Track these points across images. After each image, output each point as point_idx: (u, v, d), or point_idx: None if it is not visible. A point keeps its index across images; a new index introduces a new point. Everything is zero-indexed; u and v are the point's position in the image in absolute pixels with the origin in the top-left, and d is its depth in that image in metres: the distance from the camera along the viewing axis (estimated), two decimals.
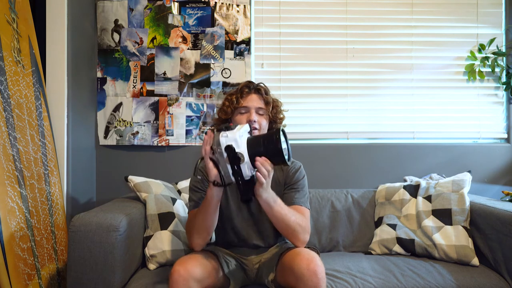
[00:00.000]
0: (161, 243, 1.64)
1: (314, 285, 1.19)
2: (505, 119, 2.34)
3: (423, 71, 2.34)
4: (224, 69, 2.25)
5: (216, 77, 2.24)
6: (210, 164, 1.20)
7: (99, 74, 2.23)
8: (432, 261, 1.67)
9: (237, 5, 2.26)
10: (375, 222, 1.96)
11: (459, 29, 2.34)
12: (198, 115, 2.24)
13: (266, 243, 1.53)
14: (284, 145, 1.17)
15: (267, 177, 1.18)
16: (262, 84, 1.57)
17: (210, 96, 2.24)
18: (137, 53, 2.23)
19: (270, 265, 1.42)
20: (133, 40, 2.23)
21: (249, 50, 2.26)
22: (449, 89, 2.34)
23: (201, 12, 2.25)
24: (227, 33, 2.25)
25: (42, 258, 1.62)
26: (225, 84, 2.25)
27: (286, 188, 1.47)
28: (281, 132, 1.17)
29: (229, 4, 2.26)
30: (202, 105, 2.24)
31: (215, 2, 2.25)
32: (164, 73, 2.23)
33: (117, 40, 2.23)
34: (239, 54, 2.25)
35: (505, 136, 2.33)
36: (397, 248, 1.79)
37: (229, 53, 2.25)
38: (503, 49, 2.32)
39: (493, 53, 2.25)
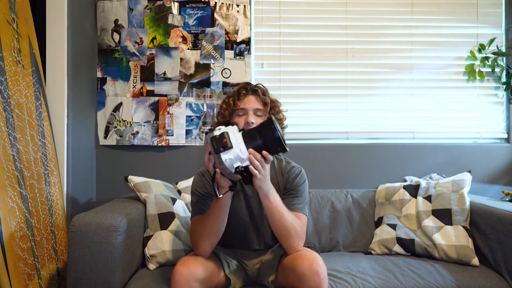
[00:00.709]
0: (161, 243, 1.64)
1: (317, 285, 1.19)
2: (505, 119, 2.34)
3: (423, 71, 2.34)
4: (224, 69, 2.25)
5: (216, 77, 2.24)
6: (221, 179, 1.21)
7: (99, 74, 2.23)
8: (432, 261, 1.67)
9: (237, 5, 2.26)
10: (375, 222, 1.96)
11: (459, 29, 2.34)
12: (198, 115, 2.24)
13: (266, 246, 1.53)
14: (278, 133, 1.18)
15: (260, 168, 1.18)
16: (260, 85, 1.54)
17: (210, 96, 2.24)
18: (137, 53, 2.23)
19: (271, 266, 1.42)
20: (133, 40, 2.23)
21: (249, 50, 2.26)
22: (449, 89, 2.34)
23: (201, 12, 2.25)
24: (227, 33, 2.25)
25: (42, 258, 1.62)
26: (225, 84, 2.25)
27: (285, 193, 1.45)
28: (273, 120, 1.18)
29: (229, 4, 2.26)
30: (202, 105, 2.24)
31: (215, 2, 2.25)
32: (164, 73, 2.23)
33: (117, 40, 2.23)
34: (239, 54, 2.25)
35: (505, 136, 2.33)
36: (397, 248, 1.79)
37: (229, 53, 2.25)
38: (503, 49, 2.32)
39: (493, 53, 2.25)
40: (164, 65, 2.23)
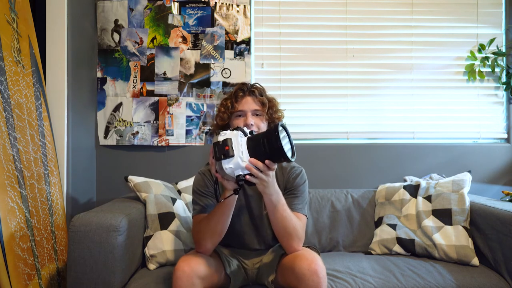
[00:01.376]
0: (161, 243, 1.64)
1: (315, 285, 1.19)
2: (505, 119, 2.34)
3: (423, 71, 2.34)
4: (224, 69, 2.25)
5: (216, 77, 2.24)
6: (225, 182, 1.21)
7: (99, 74, 2.23)
8: (432, 261, 1.67)
9: (237, 5, 2.26)
10: (375, 222, 1.96)
11: (459, 29, 2.34)
12: (198, 115, 2.24)
13: (266, 246, 1.53)
14: (285, 141, 1.15)
15: (261, 176, 1.16)
16: (257, 85, 1.53)
17: (210, 96, 2.24)
18: (137, 53, 2.23)
19: (271, 265, 1.42)
20: (133, 40, 2.23)
21: (249, 50, 2.26)
22: (449, 89, 2.34)
23: (201, 12, 2.25)
24: (227, 33, 2.25)
25: (42, 258, 1.62)
26: (225, 84, 2.25)
27: (286, 193, 1.44)
28: (279, 128, 1.13)
29: (229, 4, 2.26)
30: (202, 105, 2.24)
31: (215, 2, 2.25)
32: (164, 73, 2.23)
33: (117, 40, 2.23)
34: (239, 54, 2.25)
35: (505, 136, 2.33)
36: (397, 248, 1.79)
37: (229, 53, 2.25)
38: (503, 49, 2.32)
39: (493, 53, 2.25)
40: (164, 65, 2.23)
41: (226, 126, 1.48)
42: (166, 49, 2.23)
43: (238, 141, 1.15)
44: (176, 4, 2.24)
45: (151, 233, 1.67)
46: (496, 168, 2.28)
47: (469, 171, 1.99)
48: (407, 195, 1.94)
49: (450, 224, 1.75)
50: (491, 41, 2.26)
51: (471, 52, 2.31)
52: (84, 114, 2.14)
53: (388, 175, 2.24)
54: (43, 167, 1.74)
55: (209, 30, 2.24)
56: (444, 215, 1.78)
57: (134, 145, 2.22)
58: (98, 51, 2.23)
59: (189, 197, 1.90)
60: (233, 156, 1.13)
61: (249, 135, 1.20)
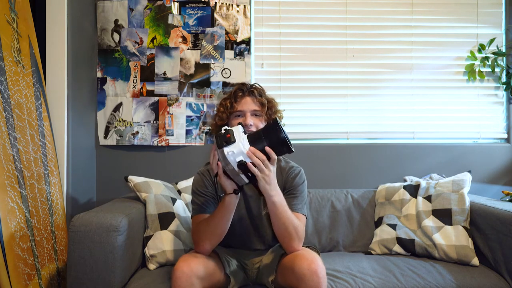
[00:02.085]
0: (161, 243, 1.64)
1: (315, 285, 1.20)
2: (505, 119, 2.34)
3: (423, 71, 2.34)
4: (224, 69, 2.25)
5: (216, 77, 2.24)
6: (224, 178, 1.21)
7: (99, 74, 2.23)
8: (432, 261, 1.67)
9: (237, 5, 2.26)
10: (375, 222, 1.96)
11: (459, 29, 2.34)
12: (198, 115, 2.24)
13: (266, 246, 1.53)
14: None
15: (262, 167, 1.17)
16: (256, 85, 1.53)
17: (210, 96, 2.24)
18: (137, 53, 2.23)
19: (271, 266, 1.42)
20: (133, 40, 2.23)
21: (249, 50, 2.26)
22: (449, 89, 2.34)
23: (201, 12, 2.25)
24: (227, 33, 2.25)
25: (42, 258, 1.62)
26: (225, 84, 2.25)
27: (285, 193, 1.44)
28: (279, 121, 1.18)
29: (229, 4, 2.26)
30: (202, 105, 2.24)
31: (215, 2, 2.25)
32: (164, 73, 2.23)
33: (117, 40, 2.23)
34: (239, 54, 2.25)
35: (505, 136, 2.33)
36: (397, 248, 1.79)
37: (229, 53, 2.25)
38: (503, 49, 2.32)
39: (493, 53, 2.25)
40: (164, 65, 2.23)
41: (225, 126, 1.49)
42: (166, 49, 2.23)
43: (240, 132, 1.19)
44: (176, 4, 2.24)
45: (151, 233, 1.67)
46: (496, 168, 2.28)
47: (469, 171, 1.99)
48: (407, 195, 1.94)
49: (450, 224, 1.75)
50: (491, 41, 2.26)
51: (471, 52, 2.31)
52: (84, 114, 2.14)
53: (388, 175, 2.24)
54: (43, 167, 1.74)
55: (209, 30, 2.24)
56: (444, 215, 1.78)
57: (134, 145, 2.22)
58: (98, 51, 2.23)
59: (189, 197, 1.90)
60: (234, 141, 1.16)
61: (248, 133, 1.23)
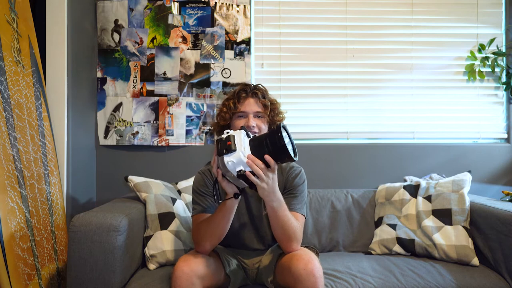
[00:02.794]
0: (161, 243, 1.64)
1: (312, 285, 1.19)
2: (505, 119, 2.34)
3: (423, 71, 2.34)
4: (224, 69, 2.25)
5: (216, 77, 2.24)
6: (225, 182, 1.21)
7: (99, 74, 2.23)
8: (432, 261, 1.67)
9: (237, 5, 2.26)
10: (375, 222, 1.96)
11: (459, 29, 2.34)
12: (198, 115, 2.24)
13: (266, 246, 1.53)
14: (287, 140, 1.15)
15: (262, 175, 1.15)
16: (260, 86, 1.52)
17: (210, 96, 2.24)
18: (137, 53, 2.23)
19: (270, 266, 1.42)
20: (133, 40, 2.23)
21: (249, 50, 2.26)
22: (449, 89, 2.34)
23: (201, 12, 2.25)
24: (227, 33, 2.25)
25: (42, 258, 1.62)
26: (225, 84, 2.25)
27: (285, 193, 1.44)
28: (282, 129, 1.15)
29: (229, 4, 2.26)
30: (202, 105, 2.24)
31: (215, 2, 2.25)
32: (164, 73, 2.23)
33: (117, 40, 2.23)
34: (239, 54, 2.25)
35: (505, 136, 2.33)
36: (397, 248, 1.79)
37: (229, 53, 2.25)
38: (503, 49, 2.32)
39: (493, 53, 2.25)
40: (164, 65, 2.23)
41: (227, 126, 1.48)
42: (166, 49, 2.23)
43: (241, 139, 1.17)
44: (176, 4, 2.24)
45: (151, 233, 1.67)
46: (496, 168, 2.28)
47: (469, 171, 1.99)
48: (407, 195, 1.94)
49: (450, 224, 1.75)
50: (491, 41, 2.26)
51: (471, 52, 2.31)
52: (84, 114, 2.14)
53: (388, 175, 2.24)
54: (43, 167, 1.74)
55: (209, 30, 2.24)
56: (444, 215, 1.78)
57: (134, 145, 2.23)
58: (98, 51, 2.23)
59: (189, 197, 1.90)
60: (235, 150, 1.14)
61: (251, 137, 1.21)
